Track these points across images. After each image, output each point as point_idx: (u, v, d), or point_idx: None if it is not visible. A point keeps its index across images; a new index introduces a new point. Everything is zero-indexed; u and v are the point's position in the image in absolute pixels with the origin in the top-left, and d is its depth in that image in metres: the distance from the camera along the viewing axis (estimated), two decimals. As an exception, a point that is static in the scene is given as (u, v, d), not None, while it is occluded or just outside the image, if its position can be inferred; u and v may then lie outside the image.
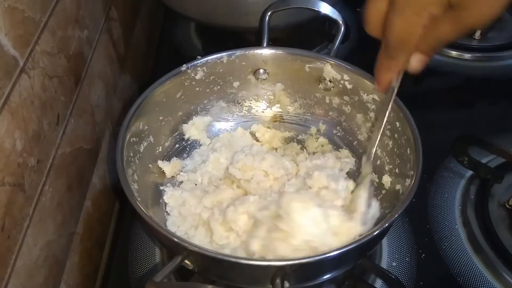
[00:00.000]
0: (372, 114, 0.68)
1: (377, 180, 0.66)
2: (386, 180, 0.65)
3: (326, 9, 0.72)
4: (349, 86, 0.70)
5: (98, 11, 0.76)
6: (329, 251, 0.50)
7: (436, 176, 0.74)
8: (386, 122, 0.65)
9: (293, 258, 0.51)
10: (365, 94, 0.68)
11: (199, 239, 0.61)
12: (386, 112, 0.58)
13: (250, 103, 0.77)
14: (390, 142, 0.66)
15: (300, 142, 0.75)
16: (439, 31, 0.44)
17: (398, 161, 0.64)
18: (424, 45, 0.46)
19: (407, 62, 0.49)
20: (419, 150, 0.58)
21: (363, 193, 0.58)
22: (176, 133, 0.72)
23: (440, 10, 0.43)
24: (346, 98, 0.71)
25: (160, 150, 0.70)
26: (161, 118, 0.69)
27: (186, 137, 0.73)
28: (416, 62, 0.48)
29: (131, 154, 0.63)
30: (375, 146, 0.61)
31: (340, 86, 0.71)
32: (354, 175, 0.67)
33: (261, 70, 0.73)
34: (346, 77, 0.69)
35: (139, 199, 0.56)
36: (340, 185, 0.61)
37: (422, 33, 0.45)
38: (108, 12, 0.80)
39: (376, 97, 0.67)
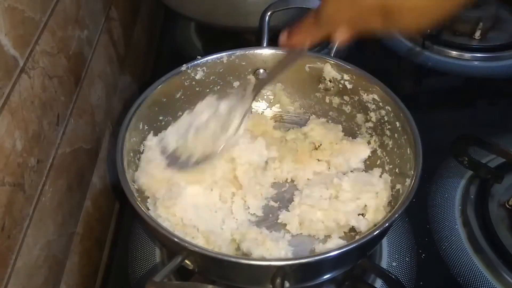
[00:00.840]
0: (372, 114, 0.68)
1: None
2: (386, 180, 0.65)
3: (326, 9, 0.72)
4: (349, 86, 0.70)
5: (98, 11, 0.76)
6: (329, 251, 0.50)
7: (436, 176, 0.74)
8: (386, 122, 0.66)
9: (293, 258, 0.51)
10: (365, 94, 0.68)
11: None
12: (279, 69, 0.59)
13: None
14: (390, 142, 0.66)
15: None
16: (369, 20, 0.47)
17: (398, 161, 0.64)
18: (352, 24, 0.49)
19: (324, 36, 0.51)
20: (419, 150, 0.58)
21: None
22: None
23: (375, 10, 0.45)
24: (346, 98, 0.71)
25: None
26: (161, 118, 0.69)
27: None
28: (340, 34, 0.50)
29: (131, 154, 0.63)
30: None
31: (340, 86, 0.71)
32: None
33: (261, 70, 0.73)
34: (346, 77, 0.69)
35: (139, 199, 0.56)
36: None
37: (353, 15, 0.47)
38: (108, 12, 0.80)
39: (376, 97, 0.67)
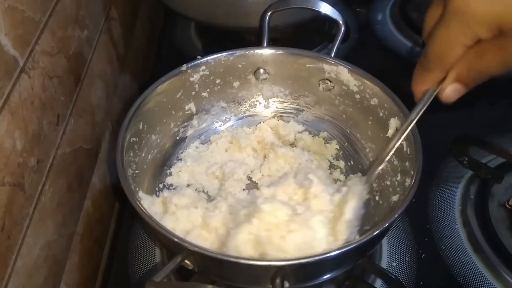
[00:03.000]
0: (372, 114, 0.68)
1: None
2: (386, 179, 0.65)
3: (326, 9, 0.72)
4: (349, 86, 0.70)
5: (98, 11, 0.76)
6: (329, 251, 0.50)
7: (436, 176, 0.74)
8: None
9: (293, 258, 0.51)
10: (365, 94, 0.68)
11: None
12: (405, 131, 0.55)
13: (251, 103, 0.77)
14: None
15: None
16: (482, 60, 0.41)
17: (398, 161, 0.64)
18: (464, 73, 0.43)
19: (441, 81, 0.46)
20: (419, 150, 0.58)
21: (353, 202, 0.56)
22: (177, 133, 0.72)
23: (487, 34, 0.39)
24: (346, 97, 0.71)
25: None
26: (161, 118, 0.69)
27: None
28: (450, 91, 0.46)
29: (131, 154, 0.63)
30: (380, 167, 0.59)
31: (340, 86, 0.71)
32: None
33: (261, 70, 0.73)
34: (346, 77, 0.69)
35: (139, 199, 0.56)
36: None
37: (463, 54, 0.42)
38: (108, 12, 0.80)
39: (376, 96, 0.67)
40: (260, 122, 0.76)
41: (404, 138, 0.56)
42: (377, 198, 0.65)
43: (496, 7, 0.38)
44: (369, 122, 0.69)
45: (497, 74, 0.42)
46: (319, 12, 0.73)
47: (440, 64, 0.44)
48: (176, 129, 0.72)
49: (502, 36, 0.39)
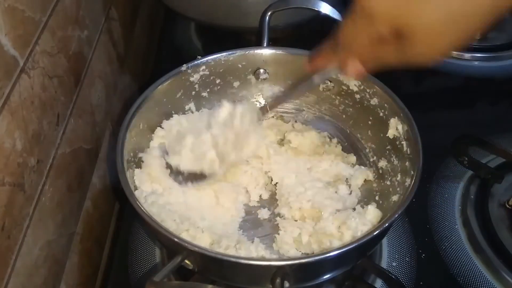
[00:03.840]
0: (372, 114, 0.68)
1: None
2: (386, 180, 0.65)
3: (326, 9, 0.72)
4: (349, 86, 0.70)
5: (98, 11, 0.76)
6: (329, 251, 0.50)
7: (436, 176, 0.74)
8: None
9: (293, 258, 0.51)
10: (365, 94, 0.68)
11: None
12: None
13: (250, 103, 0.77)
14: (390, 142, 0.66)
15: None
16: (382, 50, 0.45)
17: (398, 161, 0.64)
18: (365, 56, 0.47)
19: (343, 62, 0.50)
20: (419, 150, 0.58)
21: None
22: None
23: (387, 32, 0.43)
24: (346, 97, 0.71)
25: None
26: (161, 118, 0.69)
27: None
28: (351, 67, 0.49)
29: (131, 154, 0.63)
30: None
31: (340, 86, 0.71)
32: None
33: (262, 70, 0.73)
34: (346, 77, 0.69)
35: (139, 199, 0.56)
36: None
37: (366, 44, 0.45)
38: (108, 12, 0.80)
39: (376, 96, 0.67)
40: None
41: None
42: (377, 198, 0.65)
43: (393, 9, 0.42)
44: (369, 122, 0.69)
45: (393, 65, 0.46)
46: (319, 12, 0.73)
47: (347, 48, 0.48)
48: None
49: (399, 36, 0.43)
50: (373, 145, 0.70)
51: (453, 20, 0.41)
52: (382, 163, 0.67)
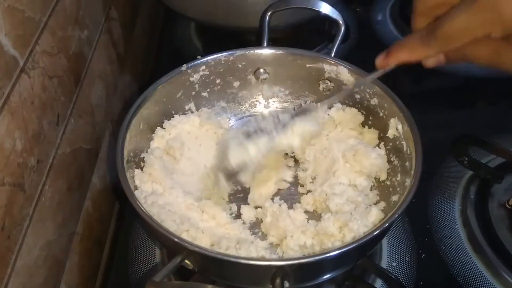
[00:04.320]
0: (372, 114, 0.68)
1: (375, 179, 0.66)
2: (386, 180, 0.65)
3: (326, 9, 0.72)
4: (349, 86, 0.70)
5: (98, 11, 0.76)
6: (329, 251, 0.50)
7: (436, 176, 0.74)
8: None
9: (293, 258, 0.51)
10: (365, 94, 0.68)
11: None
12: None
13: (251, 103, 0.77)
14: (390, 142, 0.66)
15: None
16: (475, 50, 0.43)
17: (398, 161, 0.64)
18: (452, 51, 0.45)
19: (429, 56, 0.47)
20: (419, 150, 0.58)
21: None
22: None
23: (500, 34, 0.41)
24: (346, 97, 0.71)
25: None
26: (161, 118, 0.69)
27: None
28: (434, 59, 0.47)
29: (131, 154, 0.63)
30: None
31: (340, 86, 0.71)
32: None
33: (261, 70, 0.73)
34: (346, 76, 0.69)
35: (139, 199, 0.56)
36: None
37: (474, 40, 0.42)
38: (108, 12, 0.80)
39: (376, 96, 0.67)
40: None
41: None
42: (377, 198, 0.65)
43: None
44: (369, 122, 0.69)
45: (480, 65, 0.45)
46: (319, 12, 0.73)
47: (444, 44, 0.44)
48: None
49: (507, 40, 0.41)
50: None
51: None
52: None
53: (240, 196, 0.68)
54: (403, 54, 0.47)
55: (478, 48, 0.43)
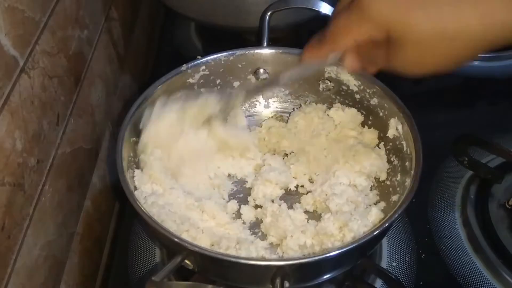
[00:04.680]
0: (371, 114, 0.68)
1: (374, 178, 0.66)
2: (386, 180, 0.65)
3: (326, 9, 0.72)
4: (349, 86, 0.70)
5: (98, 11, 0.76)
6: (329, 250, 0.50)
7: (436, 176, 0.74)
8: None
9: (293, 258, 0.51)
10: (365, 94, 0.68)
11: None
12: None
13: (250, 103, 0.77)
14: (390, 142, 0.66)
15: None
16: (373, 51, 0.45)
17: (398, 161, 0.64)
18: (357, 50, 0.47)
19: (332, 55, 0.49)
20: (419, 150, 0.58)
21: None
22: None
23: (378, 35, 0.43)
24: (346, 97, 0.71)
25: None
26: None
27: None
28: (348, 61, 0.49)
29: (131, 154, 0.63)
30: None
31: (340, 85, 0.71)
32: None
33: (261, 70, 0.73)
34: (345, 76, 0.69)
35: (139, 199, 0.56)
36: None
37: (357, 41, 0.45)
38: (108, 12, 0.80)
39: (376, 96, 0.67)
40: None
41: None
42: (377, 198, 0.65)
43: (391, 14, 0.42)
44: (369, 122, 0.70)
45: (381, 68, 0.47)
46: (319, 12, 0.73)
47: (332, 42, 0.48)
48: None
49: (390, 41, 0.43)
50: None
51: (445, 37, 0.41)
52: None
53: (240, 196, 0.68)
54: (311, 53, 0.52)
55: (373, 51, 0.45)
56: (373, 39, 0.44)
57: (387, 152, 0.66)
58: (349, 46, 0.47)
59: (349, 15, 0.45)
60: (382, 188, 0.65)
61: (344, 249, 0.50)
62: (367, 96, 0.68)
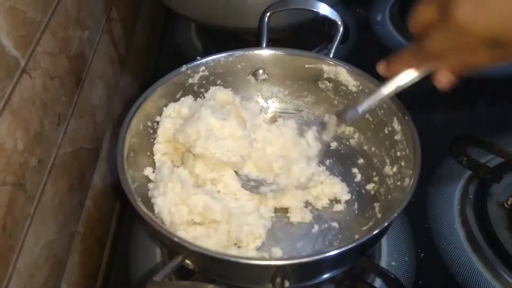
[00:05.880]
0: (371, 113, 0.69)
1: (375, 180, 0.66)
2: (386, 179, 0.65)
3: (324, 10, 0.73)
4: (348, 86, 0.70)
5: (99, 12, 0.76)
6: (329, 250, 0.50)
7: (436, 176, 0.74)
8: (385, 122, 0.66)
9: (293, 258, 0.51)
10: (364, 93, 0.68)
11: None
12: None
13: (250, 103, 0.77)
14: (390, 142, 0.66)
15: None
16: (474, 57, 0.44)
17: (398, 161, 0.64)
18: (455, 66, 0.47)
19: (426, 70, 0.50)
20: (419, 150, 0.59)
21: None
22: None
23: (485, 43, 0.42)
24: (345, 97, 0.72)
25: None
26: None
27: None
28: (443, 78, 0.49)
29: (132, 154, 0.63)
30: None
31: (339, 86, 0.71)
32: None
33: (261, 71, 0.74)
34: (345, 77, 0.69)
35: (139, 199, 0.56)
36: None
37: (460, 53, 0.45)
38: (109, 13, 0.80)
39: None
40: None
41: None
42: (377, 197, 0.65)
43: (490, 26, 0.41)
44: (369, 122, 0.70)
45: (484, 67, 0.46)
46: (317, 13, 0.73)
47: (433, 59, 0.48)
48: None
49: (497, 44, 0.42)
50: (372, 146, 0.70)
51: None
52: (381, 163, 0.67)
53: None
54: (399, 66, 0.52)
55: (477, 55, 0.44)
56: (476, 46, 0.43)
57: (387, 151, 0.66)
58: (453, 58, 0.46)
59: (447, 35, 0.44)
60: (381, 188, 0.66)
61: (343, 249, 0.50)
62: (367, 94, 0.68)
